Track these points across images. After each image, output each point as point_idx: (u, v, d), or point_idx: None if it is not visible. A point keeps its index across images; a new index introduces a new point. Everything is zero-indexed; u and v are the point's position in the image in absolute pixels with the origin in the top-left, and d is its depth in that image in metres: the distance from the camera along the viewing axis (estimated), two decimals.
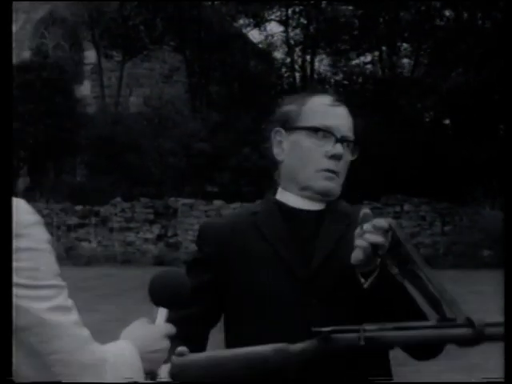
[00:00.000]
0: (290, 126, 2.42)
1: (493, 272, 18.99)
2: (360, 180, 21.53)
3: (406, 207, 21.96)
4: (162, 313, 2.07)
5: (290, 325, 2.29)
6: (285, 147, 2.43)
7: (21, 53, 25.21)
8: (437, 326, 2.10)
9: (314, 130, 2.37)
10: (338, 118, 2.40)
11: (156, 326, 2.06)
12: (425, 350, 2.35)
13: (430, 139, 22.81)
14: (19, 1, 22.03)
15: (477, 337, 2.08)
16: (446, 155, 22.21)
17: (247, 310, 2.37)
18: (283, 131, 2.43)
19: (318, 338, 2.13)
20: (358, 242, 2.16)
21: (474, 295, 13.90)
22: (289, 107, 2.46)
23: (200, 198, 22.18)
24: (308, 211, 2.42)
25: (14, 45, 23.49)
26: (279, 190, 2.46)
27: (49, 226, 21.41)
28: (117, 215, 22.15)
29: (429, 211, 21.86)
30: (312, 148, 2.37)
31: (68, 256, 20.80)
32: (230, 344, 2.46)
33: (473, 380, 4.61)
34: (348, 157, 2.42)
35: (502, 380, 2.11)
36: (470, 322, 2.07)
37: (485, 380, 2.14)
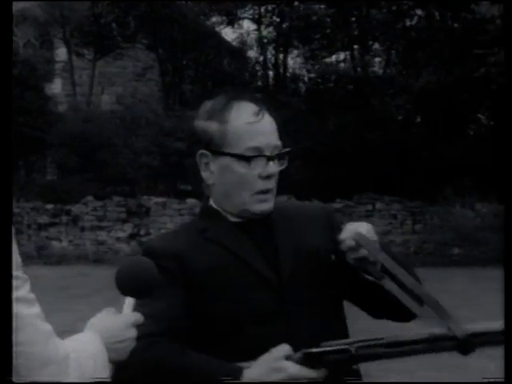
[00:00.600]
0: (215, 149, 2.33)
1: (462, 270, 19.25)
2: (333, 178, 21.74)
3: (378, 206, 22.10)
4: (129, 302, 2.07)
5: (272, 334, 2.25)
6: (213, 170, 2.35)
7: None
8: (426, 340, 2.07)
9: (246, 157, 2.29)
10: (265, 134, 2.32)
11: (122, 315, 2.05)
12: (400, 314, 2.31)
13: (401, 138, 23.05)
14: (19, 0, 21.75)
15: (464, 348, 2.07)
16: (417, 154, 22.40)
17: (223, 327, 2.29)
18: (209, 154, 2.34)
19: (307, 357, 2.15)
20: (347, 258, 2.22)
21: (444, 293, 14.06)
22: (210, 125, 2.34)
23: (173, 197, 22.23)
24: (253, 220, 2.37)
25: None
26: (215, 206, 2.41)
27: (19, 224, 21.44)
28: (88, 214, 22.10)
29: (400, 210, 22.02)
30: (244, 173, 2.30)
31: (39, 255, 20.83)
32: None
33: (474, 380, 4.47)
34: (280, 167, 2.37)
35: (502, 380, 2.11)
36: (453, 336, 2.06)
37: (485, 380, 2.18)
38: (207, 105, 2.41)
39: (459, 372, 7.89)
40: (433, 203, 21.51)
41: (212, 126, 2.33)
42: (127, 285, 2.06)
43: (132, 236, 21.85)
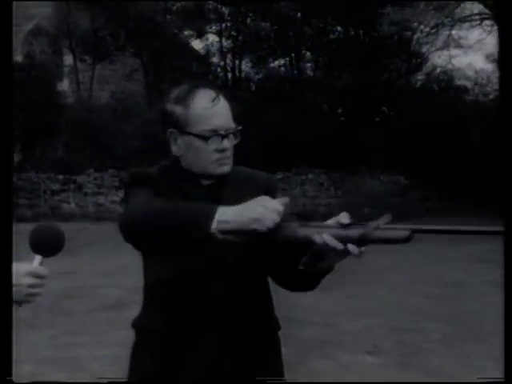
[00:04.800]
0: (181, 128, 2.25)
1: None
2: (276, 155, 21.91)
3: (310, 176, 22.19)
4: (37, 258, 2.00)
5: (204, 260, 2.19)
6: (180, 145, 2.27)
7: (14, 56, 24.93)
8: (338, 226, 2.00)
9: (204, 137, 2.22)
10: (220, 116, 2.24)
11: (25, 266, 1.98)
12: (305, 280, 2.21)
13: (327, 124, 23.10)
14: (19, 0, 21.07)
15: (364, 238, 1.97)
16: (338, 137, 22.54)
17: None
18: (176, 132, 2.27)
19: None
20: None
21: None
22: (176, 109, 2.26)
23: None
24: (211, 184, 2.30)
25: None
26: (185, 167, 2.31)
27: (37, 191, 21.37)
28: (90, 182, 22.02)
29: (326, 179, 22.12)
30: (203, 148, 2.23)
31: (53, 214, 20.75)
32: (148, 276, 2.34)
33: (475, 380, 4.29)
34: (233, 142, 2.28)
35: (502, 380, 1.88)
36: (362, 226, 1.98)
37: (485, 380, 2.11)
38: (174, 91, 2.30)
39: None
40: (350, 174, 21.66)
41: (178, 110, 2.24)
42: (36, 245, 2.01)
43: (123, 199, 21.67)
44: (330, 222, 2.08)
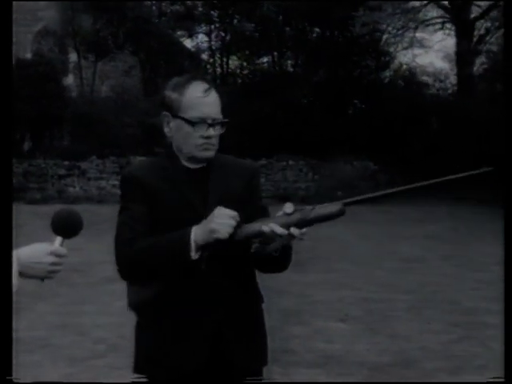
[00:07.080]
0: (173, 112, 2.27)
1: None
2: (260, 143, 21.89)
3: (290, 162, 22.03)
4: (58, 239, 2.00)
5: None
6: (172, 127, 2.29)
7: (24, 54, 24.70)
8: (283, 215, 2.08)
9: (192, 122, 2.24)
10: (209, 106, 2.25)
11: (46, 245, 1.98)
12: (277, 261, 2.24)
13: (305, 116, 23.01)
14: (19, 1, 20.62)
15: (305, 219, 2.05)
16: (316, 127, 22.50)
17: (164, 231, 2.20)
18: (169, 115, 2.28)
19: None
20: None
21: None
22: (172, 94, 2.28)
23: (150, 156, 22.02)
24: (199, 168, 2.31)
25: (19, 48, 23.09)
26: (175, 151, 2.33)
27: (45, 176, 21.26)
28: (93, 168, 21.88)
29: (304, 165, 21.99)
30: (191, 132, 2.24)
31: (59, 197, 20.54)
32: None
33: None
34: (219, 132, 2.28)
35: (502, 380, 1.79)
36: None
37: (485, 380, 2.01)
38: (174, 80, 2.32)
39: None
40: (326, 161, 21.60)
41: (173, 96, 2.26)
42: (58, 227, 2.00)
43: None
44: (279, 213, 2.14)
